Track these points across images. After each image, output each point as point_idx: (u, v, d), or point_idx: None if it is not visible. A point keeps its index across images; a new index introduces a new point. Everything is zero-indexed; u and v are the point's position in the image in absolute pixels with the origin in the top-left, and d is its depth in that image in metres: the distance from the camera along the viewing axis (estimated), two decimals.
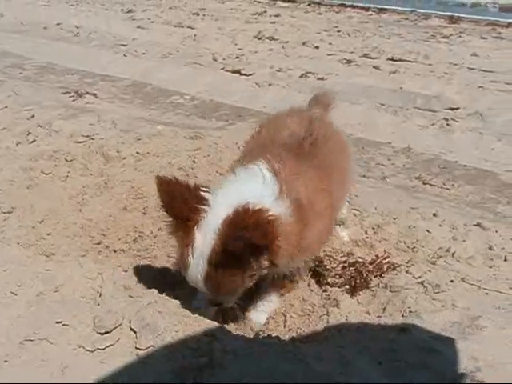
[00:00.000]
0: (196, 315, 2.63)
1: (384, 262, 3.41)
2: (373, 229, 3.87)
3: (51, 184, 4.17)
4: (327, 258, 3.43)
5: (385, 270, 3.37)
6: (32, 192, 4.00)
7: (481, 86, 8.49)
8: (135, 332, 2.49)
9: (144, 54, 10.33)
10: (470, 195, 5.20)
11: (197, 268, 2.54)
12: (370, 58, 10.30)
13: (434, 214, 4.11)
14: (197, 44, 11.14)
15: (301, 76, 8.98)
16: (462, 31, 13.41)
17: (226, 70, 9.28)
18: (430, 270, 3.29)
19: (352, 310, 3.05)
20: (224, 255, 2.44)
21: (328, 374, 2.31)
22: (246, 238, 2.33)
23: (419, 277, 3.22)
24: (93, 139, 5.05)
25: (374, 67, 9.62)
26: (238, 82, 8.77)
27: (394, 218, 3.98)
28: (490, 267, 3.42)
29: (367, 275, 3.31)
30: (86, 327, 2.52)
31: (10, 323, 2.56)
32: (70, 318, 2.57)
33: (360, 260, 3.42)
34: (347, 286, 3.30)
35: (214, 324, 2.66)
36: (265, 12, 15.51)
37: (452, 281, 3.18)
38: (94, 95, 7.52)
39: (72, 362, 2.36)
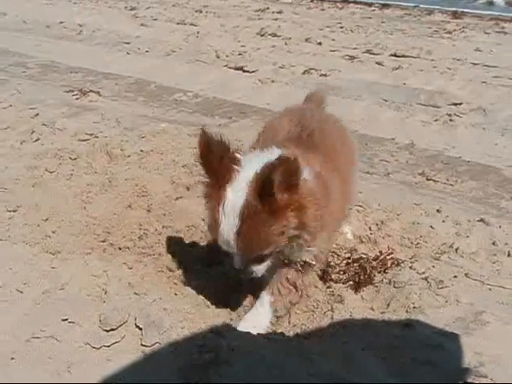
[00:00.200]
0: (201, 311, 2.65)
1: (388, 257, 3.42)
2: (376, 225, 3.88)
3: (56, 182, 4.18)
4: (331, 254, 3.44)
5: (389, 265, 3.37)
6: (37, 190, 4.02)
7: (484, 82, 8.48)
8: (141, 329, 2.51)
9: (147, 51, 10.33)
10: (474, 191, 5.20)
11: (229, 225, 2.53)
12: (373, 53, 10.30)
13: (438, 210, 4.11)
14: (200, 41, 11.14)
15: (304, 72, 8.98)
16: (465, 26, 13.40)
17: (229, 67, 9.29)
18: (433, 266, 3.29)
19: (356, 305, 3.06)
20: (255, 207, 2.46)
21: (332, 370, 2.32)
22: (277, 179, 2.37)
23: (423, 272, 3.23)
24: (97, 137, 5.07)
25: (376, 63, 9.62)
26: (241, 79, 8.77)
27: (398, 214, 3.99)
28: (494, 262, 3.43)
29: (371, 271, 3.31)
30: (92, 324, 2.54)
31: (17, 321, 2.58)
32: (75, 315, 2.59)
33: (364, 256, 3.43)
34: (351, 282, 3.30)
35: (220, 321, 2.68)
36: (267, 9, 15.51)
37: (456, 276, 3.19)
38: (98, 93, 7.52)
39: (78, 359, 2.38)
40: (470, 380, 2.38)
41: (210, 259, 3.44)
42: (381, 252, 3.48)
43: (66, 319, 2.56)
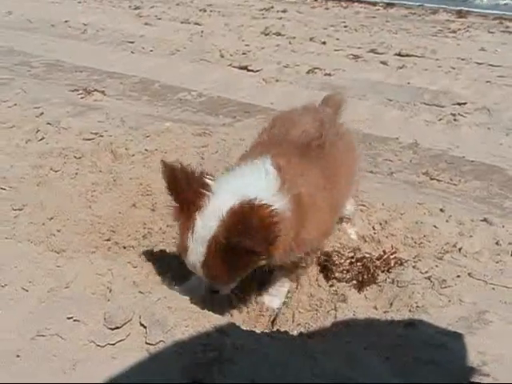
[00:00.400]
0: (205, 310, 2.66)
1: (391, 257, 3.42)
2: (380, 224, 3.89)
3: (60, 181, 4.19)
4: (335, 253, 3.45)
5: (392, 265, 3.38)
6: (42, 189, 4.03)
7: (488, 81, 8.48)
8: (145, 327, 2.51)
9: (151, 50, 10.34)
10: (477, 190, 5.21)
11: (196, 252, 2.57)
12: (378, 53, 10.31)
13: (441, 210, 4.12)
14: (204, 40, 11.15)
15: (308, 72, 8.99)
16: (469, 25, 13.40)
17: (233, 66, 9.30)
18: (436, 266, 3.30)
19: (359, 305, 3.07)
20: (224, 245, 2.46)
21: (336, 368, 2.34)
22: (249, 239, 2.36)
23: (426, 272, 3.24)
24: (101, 136, 5.07)
25: (381, 62, 9.62)
26: (245, 78, 8.78)
27: (401, 214, 4.00)
28: (497, 262, 3.43)
29: (374, 270, 3.32)
30: (97, 323, 2.55)
31: (22, 319, 2.59)
32: (80, 313, 2.59)
33: (367, 255, 3.44)
34: (355, 282, 3.30)
35: (224, 319, 2.70)
36: (272, 8, 15.51)
37: (459, 276, 3.20)
38: (102, 92, 7.53)
39: (83, 357, 2.39)
40: (473, 379, 2.39)
41: None
42: (384, 251, 3.48)
43: (71, 317, 2.57)
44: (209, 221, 2.51)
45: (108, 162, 4.57)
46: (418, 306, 2.96)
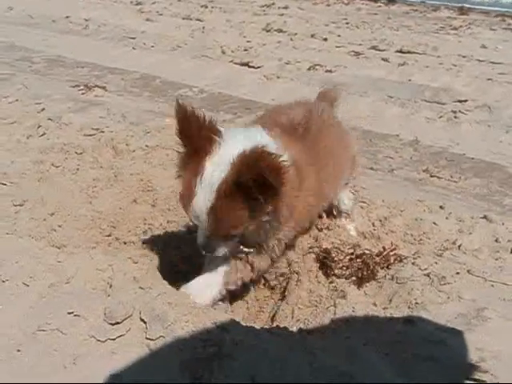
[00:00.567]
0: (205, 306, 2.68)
1: (391, 253, 3.43)
2: (380, 221, 3.90)
3: (62, 177, 4.21)
4: (334, 249, 3.46)
5: (391, 261, 3.39)
6: (43, 185, 4.04)
7: (490, 79, 8.48)
8: (145, 323, 2.53)
9: (153, 46, 10.34)
10: (477, 188, 5.21)
11: (203, 198, 2.50)
12: (379, 50, 10.30)
13: (441, 207, 4.13)
14: (205, 36, 11.15)
15: (309, 68, 8.98)
16: (471, 22, 13.38)
17: (235, 63, 9.29)
18: (436, 262, 3.31)
19: (359, 301, 3.08)
20: (234, 188, 2.44)
21: (335, 365, 2.35)
22: (261, 175, 2.34)
23: (425, 269, 3.25)
24: (102, 132, 5.09)
25: (382, 59, 9.62)
26: (246, 75, 8.77)
27: (401, 211, 4.01)
28: (496, 259, 3.44)
29: (374, 267, 3.33)
30: (97, 318, 2.56)
31: (23, 314, 2.61)
32: (81, 308, 2.61)
33: (367, 252, 3.45)
34: (354, 278, 3.32)
35: (224, 315, 2.71)
36: (273, 4, 15.50)
37: (458, 273, 3.21)
38: (104, 88, 7.53)
39: (83, 352, 2.40)
40: (471, 375, 2.40)
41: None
42: (384, 248, 3.50)
43: (72, 312, 2.58)
44: (219, 165, 2.47)
45: (109, 158, 4.59)
46: (417, 303, 2.97)
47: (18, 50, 9.79)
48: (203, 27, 11.94)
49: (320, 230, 3.70)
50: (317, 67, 9.00)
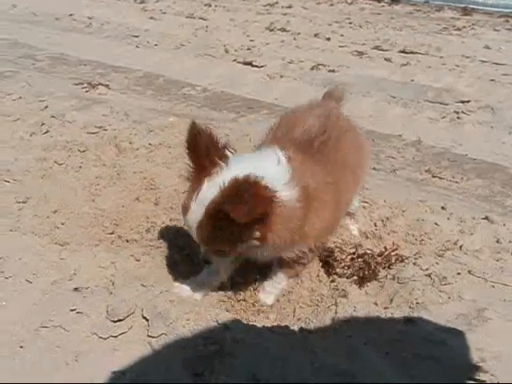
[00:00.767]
0: (206, 305, 2.69)
1: (392, 253, 3.44)
2: (382, 221, 3.90)
3: (65, 174, 4.22)
4: (336, 249, 3.47)
5: (393, 261, 3.40)
6: (46, 182, 4.06)
7: (493, 79, 8.47)
8: (147, 320, 2.55)
9: (156, 45, 10.34)
10: (479, 189, 5.22)
11: (195, 213, 2.64)
12: (382, 50, 10.28)
13: (443, 207, 4.13)
14: (209, 35, 11.14)
15: (312, 68, 8.97)
16: (474, 23, 13.35)
17: (238, 62, 9.28)
18: (437, 263, 3.32)
19: (360, 300, 3.09)
20: (215, 210, 2.53)
21: (335, 363, 2.36)
22: (232, 205, 2.43)
23: (427, 269, 3.25)
24: (105, 130, 5.09)
25: (385, 59, 9.60)
26: (249, 74, 8.77)
27: (403, 211, 4.01)
28: (497, 260, 3.44)
29: (375, 267, 3.34)
30: (100, 315, 2.59)
31: (26, 310, 2.63)
32: (83, 306, 2.63)
33: (369, 252, 3.46)
34: (355, 277, 3.32)
35: (225, 313, 2.72)
36: (276, 3, 15.47)
37: (459, 273, 3.22)
38: (107, 86, 7.53)
39: (86, 349, 2.42)
40: (471, 375, 2.41)
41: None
42: (385, 248, 3.50)
43: (74, 309, 2.60)
44: (213, 187, 2.58)
45: (112, 156, 4.60)
46: (418, 303, 2.98)
47: (21, 47, 9.79)
48: (207, 26, 11.93)
49: None
50: (320, 67, 8.99)
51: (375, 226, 3.88)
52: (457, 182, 5.32)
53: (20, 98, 5.92)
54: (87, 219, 3.69)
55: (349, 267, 3.37)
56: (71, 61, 9.19)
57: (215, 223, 2.58)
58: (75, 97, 6.28)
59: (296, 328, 2.90)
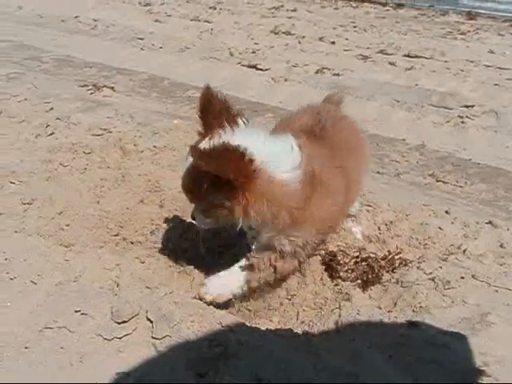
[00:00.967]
0: (211, 307, 2.70)
1: (396, 257, 3.45)
2: (385, 225, 3.91)
3: (70, 176, 4.23)
4: (340, 252, 3.48)
5: (396, 265, 3.40)
6: (51, 184, 4.07)
7: (497, 84, 8.48)
8: (152, 322, 2.56)
9: (161, 47, 10.36)
10: (483, 193, 5.22)
11: (186, 165, 2.75)
12: (386, 54, 10.30)
13: (447, 212, 4.12)
14: (213, 38, 11.16)
15: (317, 71, 8.99)
16: (479, 28, 13.37)
17: (243, 65, 9.30)
18: (441, 267, 3.32)
19: (364, 304, 3.09)
20: (196, 170, 2.62)
21: (339, 366, 2.36)
22: (207, 164, 2.51)
23: (430, 273, 3.25)
24: (110, 132, 5.11)
25: (389, 63, 9.62)
26: (254, 77, 8.79)
27: (407, 215, 4.01)
28: (501, 265, 3.44)
29: (379, 270, 3.34)
30: (104, 316, 2.60)
31: (30, 311, 2.64)
32: (88, 307, 2.64)
33: (372, 255, 3.46)
34: (359, 281, 3.33)
35: (229, 315, 2.73)
36: (281, 6, 15.51)
37: (463, 277, 3.22)
38: (112, 88, 7.55)
39: (90, 350, 2.43)
40: (474, 380, 2.42)
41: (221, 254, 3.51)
42: (389, 252, 3.51)
43: (79, 311, 2.61)
44: (207, 145, 2.64)
45: (117, 158, 4.61)
46: (421, 307, 2.98)
47: (27, 49, 9.82)
48: (211, 29, 11.96)
49: None
50: (324, 70, 9.01)
51: (379, 229, 3.89)
52: (461, 187, 5.33)
53: (25, 99, 5.93)
54: (92, 221, 3.71)
55: (352, 271, 3.37)
56: (77, 63, 9.22)
57: (192, 176, 2.71)
58: (80, 99, 6.30)
59: (300, 331, 2.90)
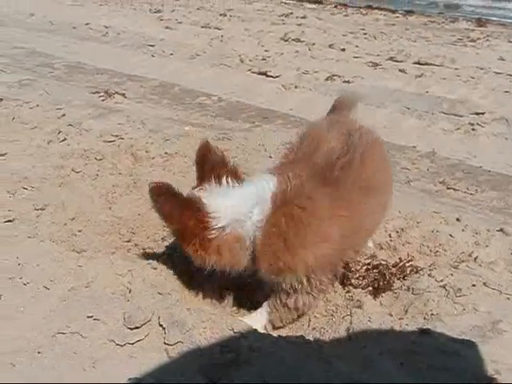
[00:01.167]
0: (223, 313, 2.71)
1: (407, 265, 3.44)
2: (396, 232, 3.90)
3: (82, 182, 4.26)
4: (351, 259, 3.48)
5: (408, 272, 3.40)
6: (63, 190, 4.09)
7: (507, 91, 8.47)
8: (164, 328, 2.57)
9: (172, 54, 10.41)
10: (494, 201, 5.20)
11: None
12: (396, 61, 10.31)
13: (458, 219, 4.11)
14: (224, 45, 11.21)
15: (327, 79, 9.00)
16: (489, 35, 13.36)
17: (253, 72, 9.33)
18: (452, 274, 3.31)
19: (375, 311, 3.08)
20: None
21: (350, 373, 2.37)
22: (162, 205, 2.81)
23: (441, 280, 3.25)
24: (122, 139, 5.13)
25: (400, 70, 9.62)
26: (264, 84, 8.81)
27: (418, 222, 4.00)
28: None
29: (390, 277, 3.34)
30: (117, 322, 2.61)
31: (43, 317, 2.66)
32: (100, 313, 2.65)
33: (383, 262, 3.46)
34: (370, 288, 3.32)
35: (241, 322, 2.74)
36: (291, 13, 15.55)
37: (474, 285, 3.21)
38: (123, 95, 7.60)
39: (102, 355, 2.45)
40: None
41: None
42: (400, 259, 3.51)
43: (91, 316, 2.63)
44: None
45: (128, 165, 4.64)
46: (432, 314, 2.98)
47: (38, 55, 9.90)
48: (222, 36, 12.01)
49: None
50: (334, 77, 9.02)
51: (390, 236, 3.88)
52: (471, 194, 5.31)
53: (37, 105, 5.97)
54: (104, 227, 3.73)
55: (364, 278, 3.37)
56: (88, 69, 9.28)
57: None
58: (92, 105, 6.34)
59: (311, 338, 2.90)
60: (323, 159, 2.97)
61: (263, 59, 10.05)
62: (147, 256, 3.42)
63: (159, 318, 2.61)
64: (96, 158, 4.64)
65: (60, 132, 5.19)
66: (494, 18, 16.14)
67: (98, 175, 4.38)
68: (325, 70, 9.44)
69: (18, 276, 2.92)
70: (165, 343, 2.50)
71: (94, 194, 4.10)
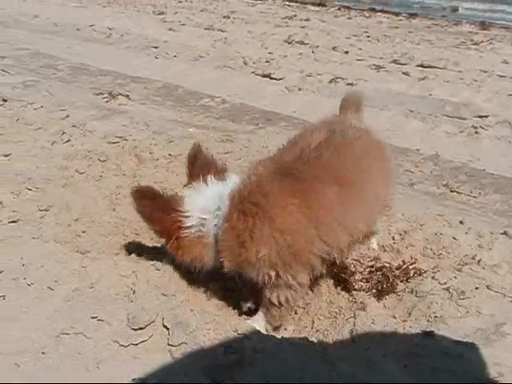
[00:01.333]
0: (227, 314, 2.71)
1: (410, 267, 3.44)
2: (400, 235, 3.90)
3: (85, 183, 4.26)
4: (354, 262, 3.47)
5: (411, 275, 3.40)
6: (67, 191, 4.10)
7: (510, 94, 8.47)
8: (168, 329, 2.57)
9: (175, 56, 10.43)
10: (498, 203, 5.20)
11: None
12: (400, 64, 10.32)
13: (461, 222, 4.12)
14: (227, 47, 11.22)
15: (330, 81, 9.01)
16: (492, 38, 13.36)
17: (256, 74, 9.34)
18: (455, 277, 3.31)
19: (378, 313, 3.09)
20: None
21: (354, 374, 2.37)
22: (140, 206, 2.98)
23: (445, 283, 3.25)
24: (126, 140, 5.14)
25: (403, 73, 9.63)
26: (267, 86, 8.83)
27: (421, 225, 4.00)
28: None
29: (394, 280, 3.34)
30: (121, 323, 2.61)
31: (47, 317, 2.66)
32: (104, 313, 2.65)
33: (387, 265, 3.46)
34: (374, 290, 3.32)
35: (245, 323, 2.74)
36: (295, 16, 15.57)
37: (477, 288, 3.21)
38: (127, 97, 7.61)
39: (106, 356, 2.45)
40: None
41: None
42: (404, 261, 3.50)
43: (96, 317, 2.63)
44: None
45: (132, 166, 4.64)
46: (436, 316, 2.98)
47: (42, 57, 9.91)
48: (225, 38, 12.02)
49: None
50: (338, 80, 9.03)
51: (393, 239, 3.88)
52: (475, 197, 5.31)
53: (41, 107, 5.99)
54: (108, 228, 3.73)
55: (367, 280, 3.37)
56: (91, 71, 9.30)
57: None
58: (96, 107, 6.35)
59: (314, 339, 2.91)
60: (292, 156, 2.97)
61: (267, 61, 10.06)
62: (151, 257, 3.42)
63: (163, 318, 2.61)
64: (100, 160, 4.65)
65: (64, 133, 5.19)
66: (498, 22, 16.14)
67: (101, 176, 4.39)
68: (328, 72, 9.45)
69: (22, 277, 2.92)
70: (169, 344, 2.50)
71: (97, 195, 4.10)
